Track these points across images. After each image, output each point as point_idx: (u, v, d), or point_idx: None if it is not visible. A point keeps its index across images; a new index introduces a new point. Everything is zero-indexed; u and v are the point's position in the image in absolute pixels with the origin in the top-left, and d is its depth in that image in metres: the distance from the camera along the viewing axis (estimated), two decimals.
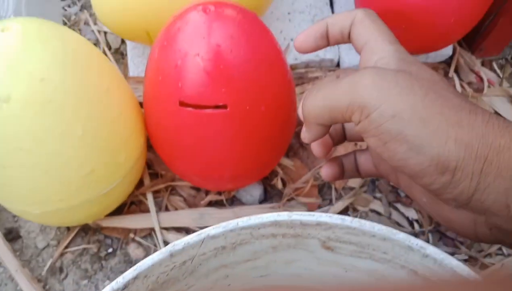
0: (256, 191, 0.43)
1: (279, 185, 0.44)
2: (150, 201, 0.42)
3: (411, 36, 0.43)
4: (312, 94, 0.25)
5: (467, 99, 0.23)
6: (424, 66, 0.25)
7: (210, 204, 0.43)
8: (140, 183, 0.43)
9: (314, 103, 0.24)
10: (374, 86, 0.21)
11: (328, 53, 0.49)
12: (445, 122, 0.20)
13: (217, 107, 0.31)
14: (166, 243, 0.41)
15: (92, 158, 0.32)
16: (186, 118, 0.32)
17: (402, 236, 0.19)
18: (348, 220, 0.20)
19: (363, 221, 0.20)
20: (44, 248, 0.41)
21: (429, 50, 0.47)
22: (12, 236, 0.41)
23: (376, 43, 0.26)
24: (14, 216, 0.42)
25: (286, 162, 0.45)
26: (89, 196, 0.34)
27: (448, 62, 0.50)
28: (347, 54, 0.50)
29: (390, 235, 0.19)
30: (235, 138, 0.33)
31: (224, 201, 0.43)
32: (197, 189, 0.44)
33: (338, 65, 0.51)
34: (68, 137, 0.30)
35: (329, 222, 0.20)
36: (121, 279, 0.19)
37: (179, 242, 0.19)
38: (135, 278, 0.19)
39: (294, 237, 0.22)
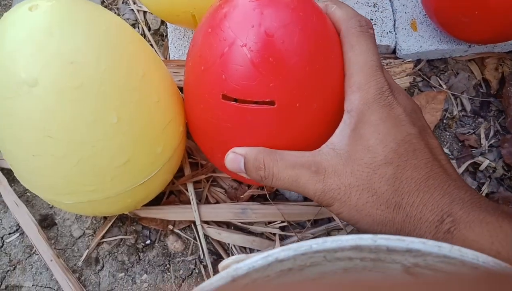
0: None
1: None
2: (191, 193, 0.39)
3: (483, 25, 0.38)
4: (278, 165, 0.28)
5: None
6: (386, 112, 0.27)
7: (252, 198, 0.41)
8: (180, 171, 0.41)
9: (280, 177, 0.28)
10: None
11: (384, 39, 0.45)
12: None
13: (263, 103, 0.28)
14: (207, 237, 0.39)
15: (128, 147, 0.30)
16: (229, 112, 0.29)
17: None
18: (446, 248, 0.16)
19: (464, 250, 0.16)
20: (79, 237, 0.39)
21: (501, 40, 0.42)
22: (47, 223, 0.40)
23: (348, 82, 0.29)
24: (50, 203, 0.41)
25: None
26: (125, 187, 0.31)
27: None
28: (404, 41, 0.45)
29: (495, 266, 0.16)
30: (280, 137, 0.30)
31: (267, 196, 0.40)
32: (237, 182, 0.41)
33: (394, 52, 0.46)
34: (101, 125, 0.27)
35: (422, 249, 0.17)
36: None
37: (243, 265, 0.17)
38: None
39: (374, 261, 0.18)
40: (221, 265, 0.19)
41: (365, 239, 0.17)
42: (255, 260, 0.17)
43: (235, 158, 0.29)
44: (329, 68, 0.29)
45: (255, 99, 0.28)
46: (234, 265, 0.17)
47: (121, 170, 0.30)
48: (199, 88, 0.30)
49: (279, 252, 0.17)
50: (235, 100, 0.28)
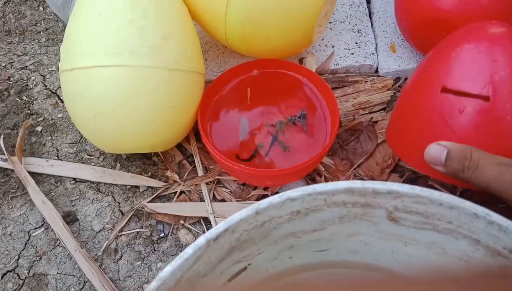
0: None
1: (322, 182, 0.45)
2: (204, 191, 0.44)
3: None
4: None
5: None
6: None
7: (257, 198, 0.45)
8: (192, 173, 0.46)
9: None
10: None
11: (367, 60, 0.52)
12: None
13: (477, 97, 0.31)
14: None
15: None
16: (445, 104, 0.32)
17: (468, 204, 0.21)
18: (417, 189, 0.22)
19: (432, 190, 0.22)
20: (99, 231, 0.43)
21: None
22: (70, 218, 0.44)
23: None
24: (72, 201, 0.45)
25: (326, 160, 0.47)
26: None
27: None
28: (385, 61, 0.52)
29: (457, 203, 0.21)
30: (486, 135, 0.31)
31: (269, 195, 0.45)
32: (243, 184, 0.46)
33: (376, 71, 0.53)
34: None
35: (400, 190, 0.22)
36: (214, 230, 0.21)
37: (264, 201, 0.22)
38: (225, 230, 0.21)
39: (363, 207, 0.24)
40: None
41: (356, 183, 0.22)
42: (274, 198, 0.22)
43: (438, 149, 0.31)
44: None
45: (472, 92, 0.31)
46: (256, 203, 0.22)
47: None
48: (421, 83, 0.35)
49: (291, 192, 0.22)
50: (454, 92, 0.31)
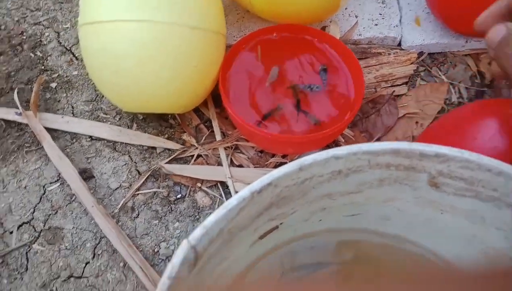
0: None
1: None
2: (222, 155, 0.44)
3: None
4: None
5: None
6: None
7: (275, 166, 0.45)
8: (209, 138, 0.45)
9: None
10: None
11: (391, 32, 0.51)
12: None
13: None
14: (236, 192, 0.43)
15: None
16: None
17: None
18: (466, 153, 0.21)
19: (481, 155, 0.21)
20: (116, 189, 0.43)
21: None
22: (86, 175, 0.43)
23: None
24: (88, 158, 0.45)
25: (346, 131, 0.47)
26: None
27: None
28: (409, 34, 0.51)
29: (506, 169, 0.21)
30: None
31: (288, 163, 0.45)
32: (261, 151, 0.46)
33: (399, 44, 0.52)
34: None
35: (448, 153, 0.21)
36: (258, 183, 0.20)
37: (308, 157, 0.21)
38: (269, 184, 0.21)
39: (406, 170, 0.23)
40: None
41: (402, 144, 0.22)
42: (319, 154, 0.21)
43: (499, 28, 0.29)
44: None
45: None
46: (301, 158, 0.21)
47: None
48: None
49: (336, 150, 0.21)
50: None
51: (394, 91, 0.49)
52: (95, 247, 0.40)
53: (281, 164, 0.45)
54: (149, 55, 0.37)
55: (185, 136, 0.46)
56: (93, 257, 0.40)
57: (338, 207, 0.27)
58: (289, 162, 0.45)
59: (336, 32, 0.50)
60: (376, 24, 0.51)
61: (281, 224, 0.26)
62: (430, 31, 0.51)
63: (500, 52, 0.29)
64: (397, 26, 0.51)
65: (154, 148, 0.45)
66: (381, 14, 0.52)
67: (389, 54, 0.51)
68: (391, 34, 0.51)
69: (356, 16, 0.52)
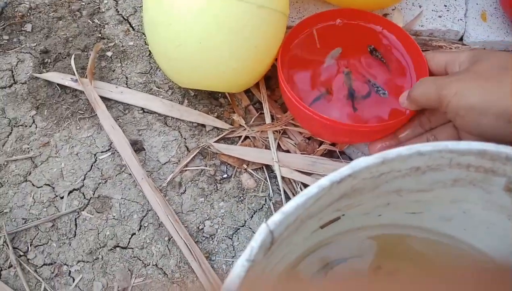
0: (367, 150, 0.44)
1: None
2: (270, 138, 0.43)
3: None
4: (419, 87, 0.36)
5: None
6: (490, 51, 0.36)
7: (323, 154, 0.44)
8: (258, 120, 0.45)
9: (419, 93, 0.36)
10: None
11: (455, 25, 0.49)
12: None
13: None
14: (282, 178, 0.43)
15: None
16: None
17: None
18: None
19: None
20: (165, 163, 0.43)
21: None
22: (137, 147, 0.44)
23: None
24: (139, 130, 0.45)
25: None
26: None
27: None
28: (473, 30, 0.49)
29: None
30: None
31: (338, 153, 0.44)
32: (309, 138, 0.45)
33: (461, 39, 0.50)
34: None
35: None
36: (339, 174, 0.20)
37: (392, 151, 0.20)
38: (349, 175, 0.20)
39: (485, 172, 0.22)
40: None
41: (489, 145, 0.21)
42: (403, 149, 0.20)
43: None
44: None
45: None
46: (384, 152, 0.20)
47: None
48: None
49: (421, 146, 0.21)
50: None
51: None
52: (142, 219, 0.41)
53: (330, 152, 0.45)
54: (214, 31, 0.36)
55: (235, 117, 0.46)
56: (139, 228, 0.41)
57: (402, 203, 0.26)
58: (338, 151, 0.44)
59: (399, 21, 0.48)
60: (439, 16, 0.49)
61: (343, 215, 0.26)
62: (496, 28, 0.49)
63: None
64: (461, 19, 0.49)
65: (203, 126, 0.45)
66: (446, 6, 0.50)
67: (450, 48, 0.49)
68: (454, 28, 0.49)
69: (420, 6, 0.50)
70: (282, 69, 0.41)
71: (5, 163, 0.43)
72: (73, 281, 0.39)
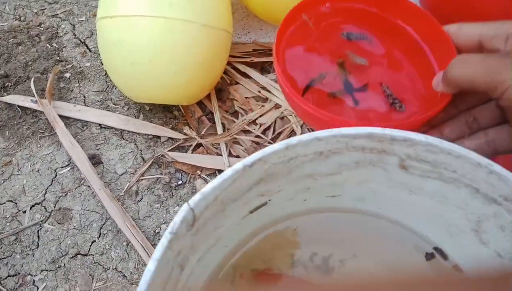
0: None
1: None
2: (222, 147, 0.47)
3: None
4: (460, 66, 0.29)
5: None
6: None
7: None
8: (210, 130, 0.48)
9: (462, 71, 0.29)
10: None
11: None
12: None
13: None
14: None
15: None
16: None
17: (473, 155, 0.24)
18: (430, 138, 0.24)
19: (442, 140, 0.24)
20: (122, 174, 0.46)
21: None
22: (95, 161, 0.47)
23: None
24: (97, 145, 0.48)
25: None
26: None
27: None
28: None
29: (463, 153, 0.24)
30: None
31: None
32: (257, 143, 0.49)
33: None
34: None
35: (414, 138, 0.24)
36: (250, 158, 0.24)
37: (294, 138, 0.24)
38: (259, 159, 0.24)
39: (379, 153, 0.26)
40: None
41: (376, 129, 0.25)
42: (303, 136, 0.24)
43: None
44: None
45: None
46: (288, 139, 0.24)
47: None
48: None
49: (318, 133, 0.25)
50: None
51: None
52: (101, 227, 0.44)
53: None
54: (163, 49, 0.40)
55: (185, 129, 0.49)
56: (99, 236, 0.43)
57: (320, 187, 0.30)
58: None
59: None
60: None
61: (269, 200, 0.29)
62: None
63: None
64: None
65: (158, 137, 0.49)
66: None
67: None
68: None
69: None
70: (279, 62, 0.32)
71: None
72: (37, 290, 0.41)
